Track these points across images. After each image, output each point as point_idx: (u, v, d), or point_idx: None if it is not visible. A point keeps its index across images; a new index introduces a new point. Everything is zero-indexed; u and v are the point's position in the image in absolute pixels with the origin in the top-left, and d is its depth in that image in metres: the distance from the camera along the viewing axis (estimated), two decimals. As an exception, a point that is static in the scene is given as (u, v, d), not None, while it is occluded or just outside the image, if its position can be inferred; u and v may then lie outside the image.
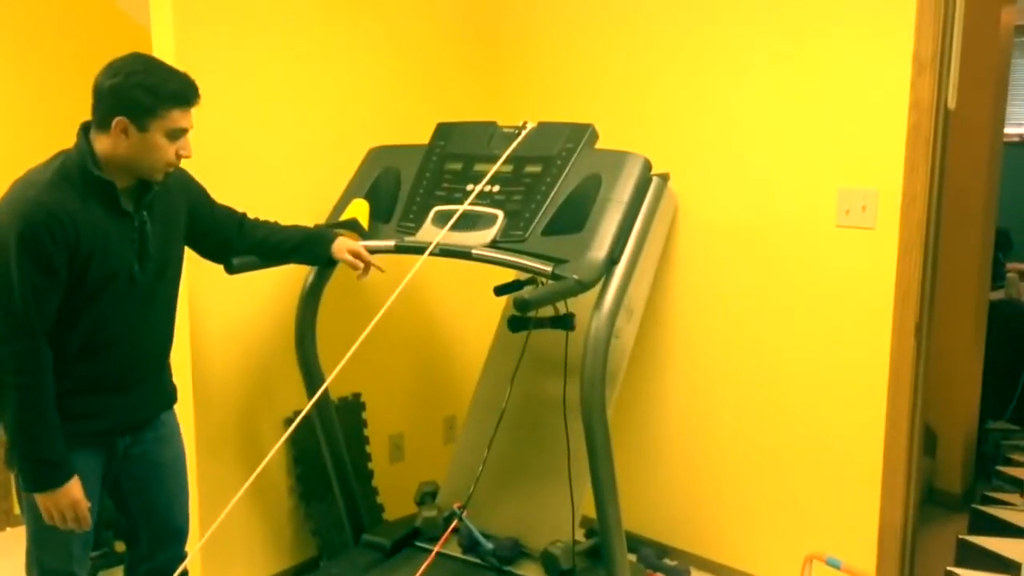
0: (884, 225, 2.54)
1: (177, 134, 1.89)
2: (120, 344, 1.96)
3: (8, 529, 3.34)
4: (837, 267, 2.65)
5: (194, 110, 1.93)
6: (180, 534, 2.24)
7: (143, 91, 1.82)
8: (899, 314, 2.54)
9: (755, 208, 2.80)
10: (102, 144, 1.87)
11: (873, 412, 2.62)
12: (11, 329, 1.80)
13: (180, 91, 1.87)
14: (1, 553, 3.17)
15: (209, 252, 2.29)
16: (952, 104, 2.48)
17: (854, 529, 2.68)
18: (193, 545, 2.54)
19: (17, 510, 3.33)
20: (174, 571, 2.00)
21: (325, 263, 2.45)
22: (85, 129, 1.90)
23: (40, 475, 1.87)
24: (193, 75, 1.92)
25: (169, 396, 2.19)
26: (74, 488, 1.90)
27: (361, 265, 2.37)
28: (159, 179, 1.94)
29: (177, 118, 1.88)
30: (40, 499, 1.89)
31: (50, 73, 3.38)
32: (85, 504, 1.92)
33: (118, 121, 1.83)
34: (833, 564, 2.45)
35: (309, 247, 2.39)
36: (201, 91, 1.92)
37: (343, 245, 2.38)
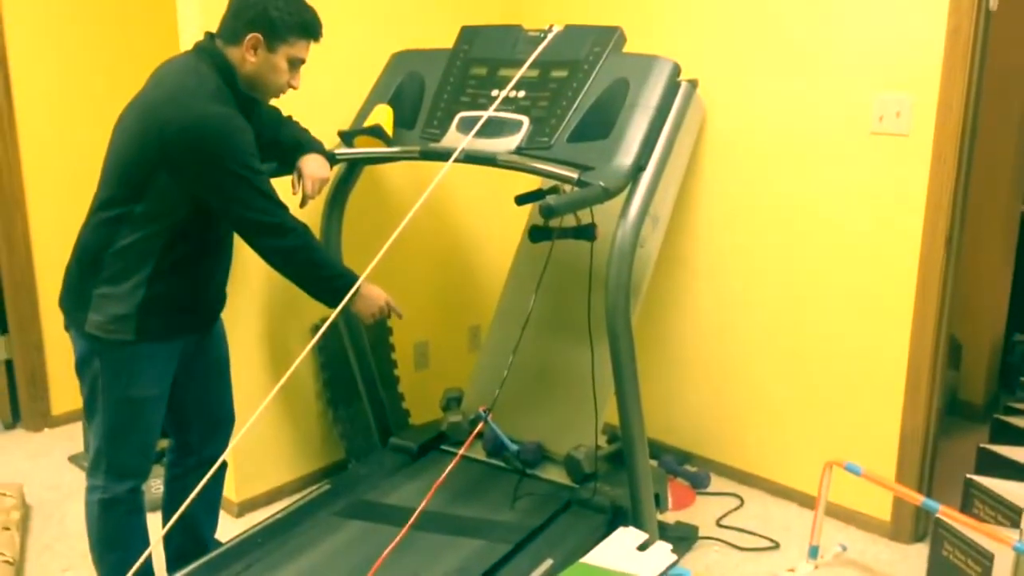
0: (918, 132, 2.49)
1: (296, 63, 2.03)
2: (222, 244, 2.13)
3: (46, 430, 3.45)
4: (869, 175, 2.61)
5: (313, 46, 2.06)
6: (228, 424, 2.38)
7: (285, 14, 1.96)
8: (930, 224, 2.51)
9: (785, 115, 2.74)
10: (232, 57, 1.99)
11: (899, 321, 2.61)
12: (278, 209, 2.01)
13: (313, 23, 2.02)
14: (39, 453, 3.28)
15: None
16: (994, 5, 2.39)
17: (875, 437, 2.71)
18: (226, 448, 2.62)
19: (56, 411, 3.44)
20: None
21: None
22: (211, 38, 2.00)
23: (348, 285, 2.07)
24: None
25: (226, 297, 2.30)
26: (371, 285, 2.21)
27: (295, 187, 2.28)
28: (268, 101, 2.11)
29: (301, 48, 2.01)
30: (361, 307, 2.23)
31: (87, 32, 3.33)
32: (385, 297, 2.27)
33: (252, 37, 1.96)
34: (853, 470, 2.48)
35: (288, 153, 2.33)
36: None
37: (300, 162, 2.30)
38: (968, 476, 2.56)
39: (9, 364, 3.44)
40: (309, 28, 2.01)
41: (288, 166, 2.33)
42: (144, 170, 1.92)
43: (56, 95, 3.27)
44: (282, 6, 1.96)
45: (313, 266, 2.11)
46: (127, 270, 1.97)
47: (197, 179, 1.94)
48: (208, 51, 2.00)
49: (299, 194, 2.27)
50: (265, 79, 2.02)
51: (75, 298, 2.03)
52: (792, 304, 2.83)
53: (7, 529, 2.63)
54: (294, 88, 2.07)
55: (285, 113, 2.39)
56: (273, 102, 2.29)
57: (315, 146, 2.34)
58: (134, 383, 2.04)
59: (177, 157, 1.90)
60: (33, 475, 3.10)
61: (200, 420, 2.31)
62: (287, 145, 2.32)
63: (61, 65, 3.28)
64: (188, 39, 2.52)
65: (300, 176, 2.27)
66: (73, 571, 2.55)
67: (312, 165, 2.28)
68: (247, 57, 1.98)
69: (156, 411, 2.12)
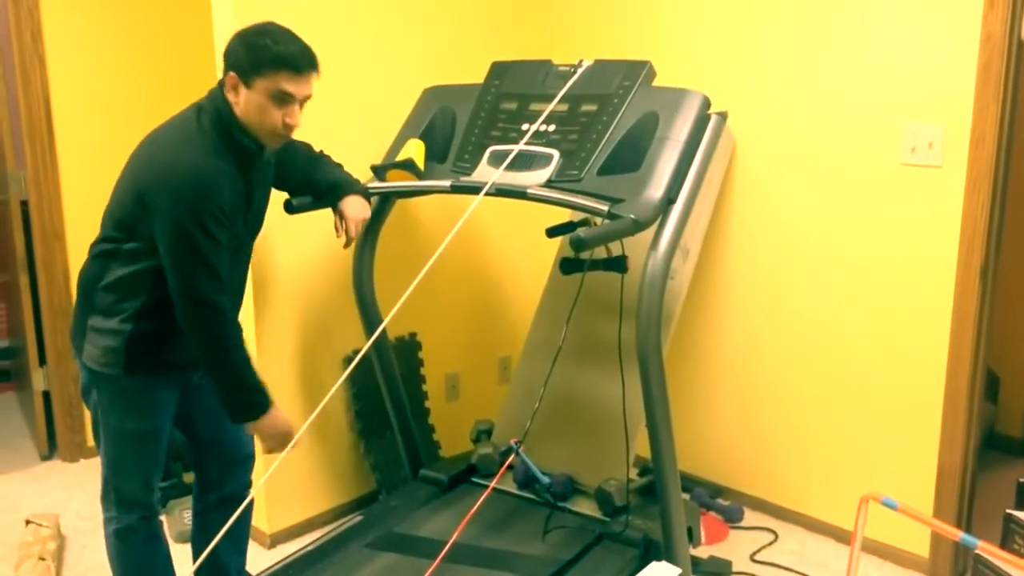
0: (951, 163, 2.48)
1: (282, 98, 1.90)
2: (230, 301, 2.06)
3: (82, 461, 3.49)
4: (901, 206, 2.59)
5: (315, 82, 1.96)
6: (247, 461, 2.34)
7: (248, 49, 1.88)
8: (964, 255, 2.49)
9: (816, 146, 2.74)
10: (235, 106, 1.94)
11: (934, 354, 2.58)
12: (209, 283, 1.91)
13: (286, 55, 1.88)
14: (75, 484, 3.31)
15: (293, 191, 2.37)
16: (1027, 36, 2.38)
17: (912, 471, 2.67)
18: (258, 478, 2.63)
19: (91, 442, 3.47)
20: (243, 497, 2.08)
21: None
22: (221, 86, 1.97)
23: (257, 404, 2.02)
24: (251, 15, 1.94)
25: None
26: (282, 413, 2.07)
27: (338, 229, 2.31)
28: (269, 146, 1.99)
29: (281, 81, 1.88)
30: (264, 426, 2.04)
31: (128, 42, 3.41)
32: (291, 429, 2.08)
33: (229, 77, 1.92)
34: (890, 505, 2.44)
35: (327, 193, 2.36)
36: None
37: (341, 204, 2.32)
38: (1008, 511, 2.51)
39: (47, 395, 3.49)
40: (283, 60, 1.88)
41: (325, 206, 2.37)
42: (131, 212, 1.93)
43: (96, 131, 3.34)
44: (252, 40, 1.89)
45: (234, 366, 1.99)
46: (117, 304, 1.99)
47: (160, 227, 1.89)
48: (212, 97, 1.97)
49: (343, 236, 2.31)
50: (252, 120, 1.93)
51: (76, 329, 2.07)
52: (825, 337, 2.81)
53: (43, 559, 2.65)
54: (291, 125, 1.95)
55: (318, 147, 2.43)
56: (304, 136, 2.33)
57: (354, 187, 2.36)
58: (128, 416, 2.05)
59: (151, 201, 1.89)
60: (68, 505, 3.13)
61: (216, 457, 2.29)
62: (323, 186, 2.34)
63: (102, 99, 3.34)
64: (223, 34, 2.57)
65: (342, 218, 2.30)
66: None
67: (353, 207, 2.31)
68: (234, 99, 1.92)
69: (154, 444, 2.11)
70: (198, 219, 1.86)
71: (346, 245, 2.34)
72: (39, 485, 3.31)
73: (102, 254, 2.01)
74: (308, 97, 1.96)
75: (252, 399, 2.03)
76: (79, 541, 2.90)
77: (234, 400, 2.03)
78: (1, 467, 3.45)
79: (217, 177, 1.88)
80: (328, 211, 2.48)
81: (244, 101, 1.91)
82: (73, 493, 3.24)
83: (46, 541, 2.75)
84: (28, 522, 2.85)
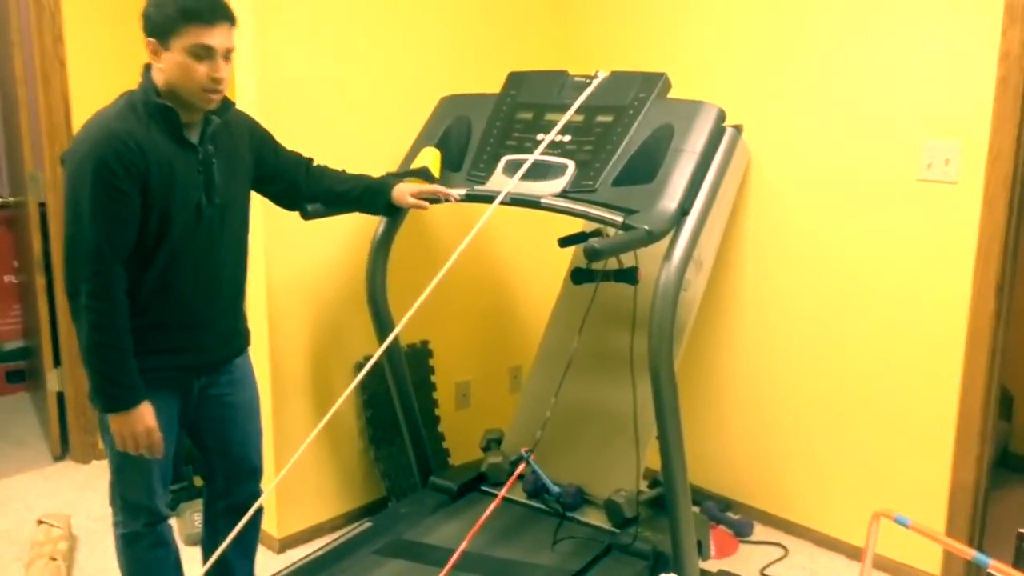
0: (967, 179, 2.47)
1: (200, 52, 1.84)
2: (193, 281, 2.00)
3: (94, 462, 3.51)
4: (917, 222, 2.58)
5: (235, 33, 1.91)
6: (255, 472, 2.32)
7: (157, 9, 1.84)
8: (980, 272, 2.47)
9: (831, 161, 2.74)
10: (155, 74, 1.90)
11: (948, 371, 2.56)
12: (84, 255, 1.84)
13: (192, 8, 1.82)
14: (87, 485, 3.33)
15: (276, 197, 2.32)
16: (1045, 53, 2.37)
17: (924, 488, 2.65)
18: (268, 484, 2.64)
19: (102, 444, 3.49)
20: (250, 506, 2.07)
21: (385, 212, 2.45)
22: (147, 68, 1.94)
23: (113, 397, 1.92)
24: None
25: (243, 339, 2.24)
26: (146, 414, 1.93)
27: (427, 205, 2.39)
28: (207, 106, 1.93)
29: (197, 34, 1.83)
30: (113, 423, 1.93)
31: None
32: (158, 433, 1.95)
33: (148, 43, 1.87)
34: (902, 522, 2.42)
35: (369, 198, 2.40)
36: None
37: (404, 191, 2.39)
38: (1020, 530, 2.49)
39: (60, 396, 3.52)
40: (189, 12, 1.82)
41: (342, 212, 2.42)
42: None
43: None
44: (160, 1, 1.84)
45: (86, 345, 1.88)
46: (127, 312, 1.93)
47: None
48: (141, 78, 1.94)
49: (447, 199, 2.40)
50: (180, 83, 1.87)
51: (78, 336, 2.02)
52: (837, 351, 2.80)
53: (54, 559, 2.67)
54: (219, 78, 1.88)
55: (335, 158, 2.44)
56: (312, 149, 2.33)
57: (390, 180, 2.44)
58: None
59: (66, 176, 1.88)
60: (80, 506, 3.15)
61: (223, 466, 2.27)
62: (359, 191, 2.38)
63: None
64: (244, 48, 2.60)
65: (428, 197, 2.40)
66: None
67: (426, 186, 2.41)
68: (157, 66, 1.88)
69: None
70: (84, 181, 1.81)
71: (441, 201, 2.42)
72: (51, 485, 3.34)
73: None
74: (230, 49, 1.90)
75: (109, 390, 1.92)
76: (90, 542, 2.92)
77: (94, 381, 1.92)
78: (14, 467, 3.47)
79: (113, 142, 1.82)
80: (341, 218, 2.50)
81: (167, 65, 1.86)
82: (84, 494, 3.26)
83: (57, 541, 2.76)
84: (40, 522, 2.87)
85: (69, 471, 3.45)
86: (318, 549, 2.48)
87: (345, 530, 2.63)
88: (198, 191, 1.96)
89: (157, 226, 1.91)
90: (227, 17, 1.89)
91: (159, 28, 1.84)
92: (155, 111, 1.89)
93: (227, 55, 1.90)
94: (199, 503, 2.58)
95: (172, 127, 1.91)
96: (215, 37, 1.86)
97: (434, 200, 2.44)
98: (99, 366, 1.90)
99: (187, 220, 1.95)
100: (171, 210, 1.92)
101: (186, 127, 1.94)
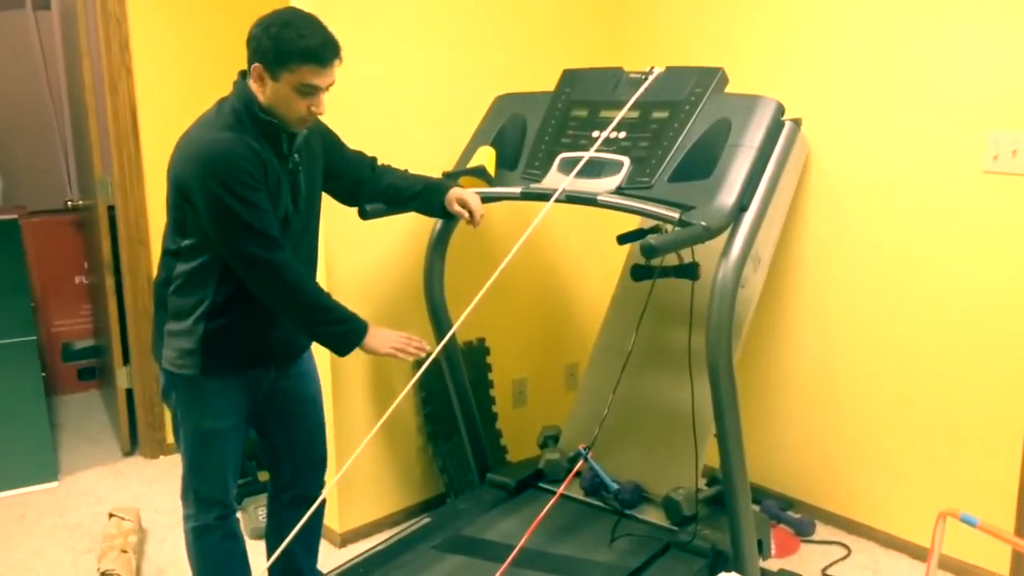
0: (1036, 171, 2.40)
1: (306, 90, 1.91)
2: None
3: (162, 457, 3.60)
4: (983, 216, 2.52)
5: (337, 70, 1.96)
6: (322, 463, 2.38)
7: (274, 42, 1.87)
8: (1050, 265, 2.41)
9: (892, 152, 2.69)
10: (253, 90, 1.96)
11: (1017, 367, 2.50)
12: (260, 244, 1.93)
13: (311, 49, 1.87)
14: (155, 480, 3.43)
15: (342, 194, 2.37)
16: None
17: (992, 487, 2.59)
18: (330, 478, 2.68)
19: (170, 439, 3.59)
20: (315, 497, 2.11)
21: (440, 214, 2.44)
22: (243, 75, 1.99)
23: (354, 331, 2.07)
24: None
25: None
26: (381, 329, 2.12)
27: (466, 214, 2.36)
28: (296, 130, 2.00)
29: (306, 74, 1.89)
30: (373, 346, 2.09)
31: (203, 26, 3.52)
32: (408, 335, 2.14)
33: (255, 68, 1.92)
34: (969, 522, 2.37)
35: (426, 197, 2.41)
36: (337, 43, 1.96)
37: (454, 196, 2.38)
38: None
39: (129, 393, 3.62)
40: (306, 54, 1.88)
41: (403, 211, 2.45)
42: (177, 205, 1.98)
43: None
44: (277, 33, 1.87)
45: (313, 306, 2.04)
46: (186, 304, 2.03)
47: (199, 206, 1.93)
48: (235, 86, 1.99)
49: (478, 222, 2.39)
50: (279, 108, 1.94)
51: (155, 337, 2.13)
52: (900, 347, 2.75)
53: (125, 552, 2.75)
54: (316, 114, 1.97)
55: (392, 156, 2.47)
56: (371, 148, 2.37)
57: (449, 183, 2.44)
58: (205, 416, 2.09)
59: (185, 185, 1.93)
60: (149, 500, 3.24)
61: (290, 458, 2.33)
62: (416, 191, 2.39)
63: (187, 107, 3.40)
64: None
65: (469, 210, 2.37)
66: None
67: (474, 198, 2.39)
68: (259, 88, 1.94)
69: (229, 444, 2.15)
70: (226, 185, 1.88)
71: (474, 224, 2.40)
72: (121, 480, 3.44)
73: (166, 255, 2.07)
74: (332, 84, 1.96)
75: (346, 328, 2.07)
76: (159, 535, 3.00)
77: (330, 337, 2.09)
78: (86, 462, 3.59)
79: (235, 147, 1.89)
80: (399, 217, 2.53)
81: (270, 91, 1.92)
82: (153, 488, 3.35)
83: (128, 534, 2.85)
84: (111, 515, 2.96)
85: (138, 466, 3.55)
86: (378, 544, 2.52)
87: (404, 525, 2.66)
88: (288, 199, 2.04)
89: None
90: (338, 57, 1.94)
91: (272, 58, 1.89)
92: (262, 125, 1.95)
93: (329, 88, 1.96)
94: (263, 498, 2.64)
95: (275, 141, 1.98)
96: (324, 77, 1.92)
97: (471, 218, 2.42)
98: (331, 312, 2.05)
99: (278, 228, 2.02)
100: (273, 217, 1.99)
101: (284, 139, 2.02)
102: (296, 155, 2.04)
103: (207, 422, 2.11)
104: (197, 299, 2.03)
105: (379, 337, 2.10)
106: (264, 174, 1.94)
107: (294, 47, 1.87)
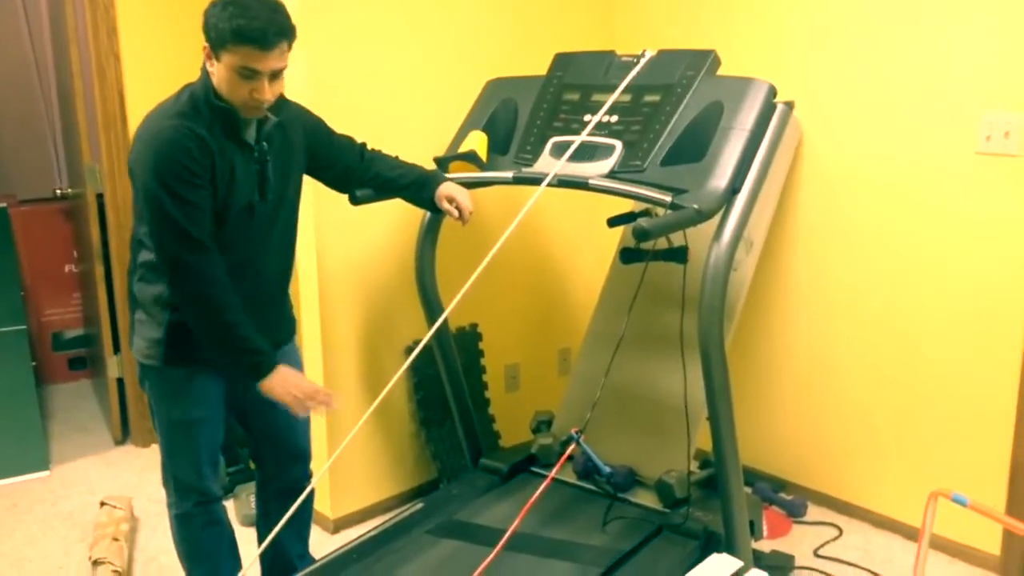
0: (1027, 152, 2.40)
1: (246, 73, 1.83)
2: (239, 275, 2.01)
3: (153, 446, 3.59)
4: (976, 197, 2.53)
5: (289, 55, 1.88)
6: (302, 456, 2.36)
7: (216, 21, 1.81)
8: (1040, 246, 2.41)
9: (886, 135, 2.69)
10: (209, 73, 1.91)
11: (1009, 347, 2.51)
12: (184, 245, 1.87)
13: (249, 30, 1.78)
14: (147, 468, 3.42)
15: (332, 182, 2.35)
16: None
17: (983, 467, 2.60)
18: (320, 466, 2.68)
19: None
20: (301, 490, 2.11)
21: (429, 207, 2.39)
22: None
23: (257, 365, 1.97)
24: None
25: (288, 328, 2.27)
26: (291, 372, 2.01)
27: (455, 212, 2.32)
28: (248, 116, 1.93)
29: (245, 57, 1.81)
30: (273, 387, 1.98)
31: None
32: (317, 385, 2.05)
33: (204, 48, 1.87)
34: (960, 501, 2.38)
35: (416, 189, 2.37)
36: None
37: (443, 193, 2.33)
38: (1085, 511, 2.43)
39: (120, 382, 3.61)
40: (245, 35, 1.78)
41: (391, 197, 2.41)
42: (133, 194, 1.96)
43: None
44: (220, 11, 1.80)
45: (223, 328, 1.94)
46: (151, 294, 2.00)
47: (139, 194, 1.90)
48: (203, 69, 1.92)
49: (466, 219, 2.33)
50: (225, 91, 1.87)
51: (130, 326, 2.11)
52: (892, 329, 2.75)
53: (116, 540, 2.74)
54: (261, 100, 1.87)
55: (383, 141, 2.45)
56: (361, 134, 2.34)
57: (442, 177, 2.39)
58: (176, 406, 2.07)
59: (132, 172, 1.91)
60: (140, 489, 3.23)
61: (271, 451, 2.32)
62: (407, 181, 2.35)
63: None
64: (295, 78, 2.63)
65: (458, 208, 2.31)
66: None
67: (462, 194, 2.33)
68: (211, 71, 1.88)
69: (203, 434, 2.12)
70: (161, 177, 1.83)
71: (462, 221, 2.34)
72: (113, 469, 3.43)
73: (132, 243, 2.04)
74: (280, 70, 1.87)
75: (251, 360, 1.97)
76: (150, 523, 3.00)
77: (235, 363, 2.00)
78: (77, 451, 3.58)
79: (179, 136, 1.84)
80: (390, 203, 2.51)
81: (216, 73, 1.87)
82: (145, 477, 3.34)
83: (119, 522, 2.84)
84: (103, 504, 2.95)
85: (130, 455, 3.54)
86: (371, 529, 2.52)
87: (397, 511, 2.66)
88: (252, 189, 1.99)
89: (212, 222, 1.94)
90: (283, 37, 1.84)
91: (214, 37, 1.84)
92: (216, 112, 1.90)
93: (277, 74, 1.88)
94: (254, 485, 2.63)
95: (231, 127, 1.93)
96: (265, 62, 1.83)
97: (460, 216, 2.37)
98: (240, 341, 1.95)
99: (240, 217, 1.98)
100: (227, 207, 1.95)
101: (245, 126, 1.96)
102: (265, 144, 1.99)
103: (178, 412, 2.08)
104: (160, 288, 1.99)
105: (284, 380, 1.99)
106: (212, 165, 1.88)
107: (232, 27, 1.78)
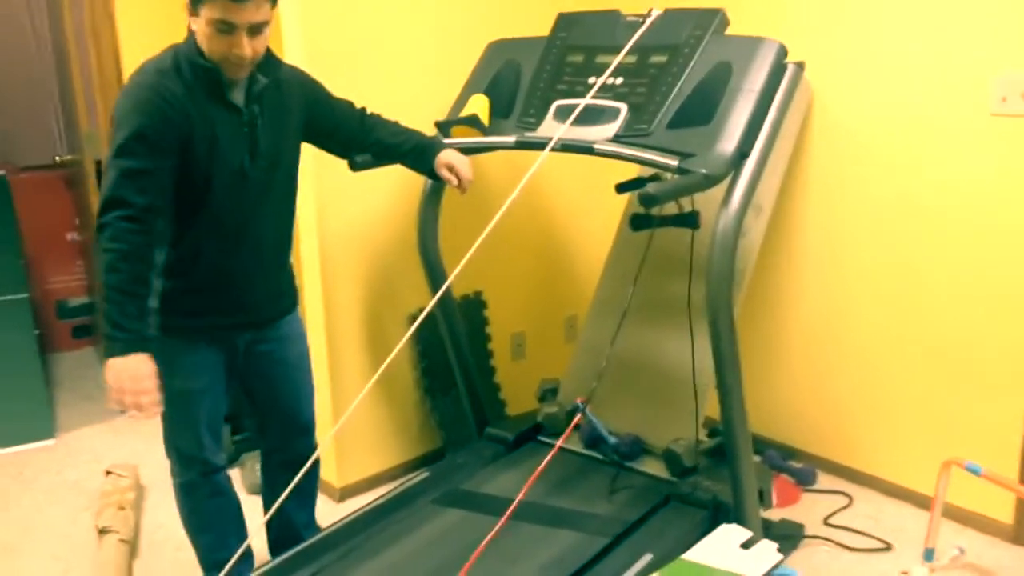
0: (1046, 112, 2.33)
1: (222, 27, 1.79)
2: (234, 243, 1.98)
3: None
4: (991, 158, 2.46)
5: (273, 11, 1.84)
6: (307, 427, 2.34)
7: None
8: (1058, 210, 2.35)
9: (898, 97, 2.61)
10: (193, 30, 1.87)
11: (1022, 314, 2.46)
12: (111, 198, 1.81)
13: None
14: (153, 437, 3.34)
15: (332, 148, 2.30)
16: None
17: (996, 435, 2.56)
18: (325, 435, 2.67)
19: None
20: (305, 461, 2.09)
21: (428, 174, 2.35)
22: None
23: (111, 339, 1.82)
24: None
25: (290, 298, 2.23)
26: (142, 366, 1.82)
27: (455, 180, 2.27)
28: (234, 75, 1.88)
29: (221, 9, 1.76)
30: (107, 368, 1.84)
31: None
32: (153, 394, 1.84)
33: (185, 3, 1.83)
34: (973, 470, 2.36)
35: (416, 156, 2.32)
36: None
37: (442, 160, 2.29)
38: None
39: (126, 351, 3.59)
40: None
41: (391, 163, 2.36)
42: None
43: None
44: None
45: (105, 284, 1.81)
46: (149, 261, 1.91)
47: None
48: (189, 29, 1.88)
49: (464, 187, 2.29)
50: (205, 48, 1.83)
51: None
52: (904, 295, 2.70)
53: (122, 508, 2.74)
54: (241, 55, 1.82)
55: (384, 105, 2.40)
56: (360, 98, 2.29)
57: (443, 144, 2.33)
58: (175, 375, 2.00)
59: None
60: (147, 457, 3.23)
61: (276, 423, 2.30)
62: (407, 148, 2.31)
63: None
64: (290, 42, 2.57)
65: (457, 176, 2.27)
66: (184, 551, 2.64)
67: (462, 161, 2.28)
68: (193, 27, 1.84)
69: (203, 404, 2.10)
70: (123, 136, 1.79)
71: (462, 189, 2.30)
72: (119, 437, 3.43)
73: None
74: (261, 23, 1.82)
75: (108, 331, 1.82)
76: (157, 492, 2.99)
77: (104, 328, 1.86)
78: (83, 420, 3.58)
79: (153, 97, 1.80)
80: (391, 169, 2.46)
81: (198, 30, 1.83)
82: (151, 446, 3.33)
83: (125, 491, 2.84)
84: (108, 472, 2.95)
85: (135, 423, 3.53)
86: (377, 498, 2.51)
87: (403, 480, 2.65)
88: (242, 153, 1.94)
89: (199, 188, 1.90)
90: None
91: None
92: (199, 71, 1.85)
93: (257, 29, 1.83)
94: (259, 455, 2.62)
95: (215, 88, 1.88)
96: (241, 14, 1.78)
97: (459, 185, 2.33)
98: (106, 307, 1.83)
99: (230, 182, 1.93)
100: (213, 173, 1.90)
101: (230, 88, 1.90)
102: (255, 106, 1.94)
103: (177, 382, 2.03)
104: (156, 255, 1.91)
105: (123, 370, 1.81)
106: (188, 126, 1.84)
107: None
